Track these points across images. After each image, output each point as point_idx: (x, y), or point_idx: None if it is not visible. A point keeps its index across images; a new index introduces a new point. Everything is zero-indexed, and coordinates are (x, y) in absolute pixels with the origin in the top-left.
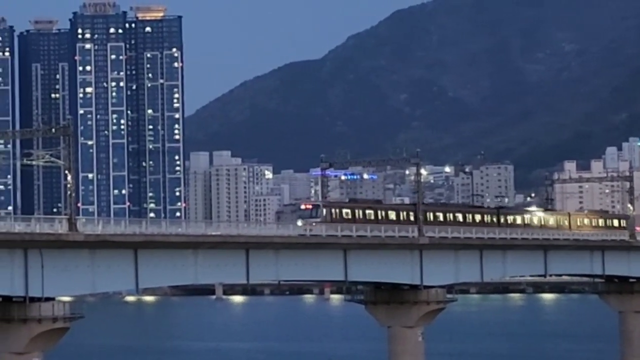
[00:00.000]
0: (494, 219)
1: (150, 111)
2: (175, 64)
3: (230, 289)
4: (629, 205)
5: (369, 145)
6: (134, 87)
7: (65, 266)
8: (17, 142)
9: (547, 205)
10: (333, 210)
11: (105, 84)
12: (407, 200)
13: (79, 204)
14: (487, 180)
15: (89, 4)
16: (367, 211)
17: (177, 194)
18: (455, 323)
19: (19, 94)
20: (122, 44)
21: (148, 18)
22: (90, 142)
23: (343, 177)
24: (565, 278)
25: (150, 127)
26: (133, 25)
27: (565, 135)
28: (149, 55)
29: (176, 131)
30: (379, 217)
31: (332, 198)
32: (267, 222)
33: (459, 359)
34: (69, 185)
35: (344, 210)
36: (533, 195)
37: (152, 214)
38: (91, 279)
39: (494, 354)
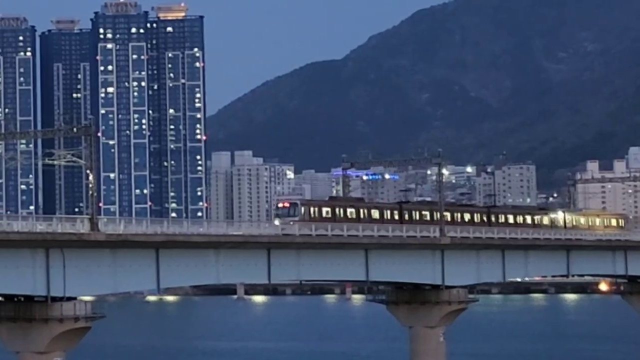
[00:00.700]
0: (484, 218)
1: (171, 111)
2: (197, 64)
3: (251, 289)
4: None
5: (390, 145)
6: (156, 87)
7: (87, 266)
8: (39, 141)
9: (550, 205)
10: (312, 208)
11: (126, 83)
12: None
13: (101, 204)
14: (509, 180)
15: (111, 3)
16: (349, 210)
17: (199, 193)
18: (476, 323)
19: (40, 94)
20: (144, 44)
21: (169, 18)
22: (111, 142)
23: (364, 177)
24: (587, 278)
25: (172, 127)
26: (154, 25)
27: (588, 135)
28: (170, 55)
29: (198, 131)
30: (361, 216)
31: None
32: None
33: (481, 359)
34: (90, 185)
35: (324, 209)
36: (555, 195)
37: (173, 214)
38: (113, 278)
39: (516, 354)
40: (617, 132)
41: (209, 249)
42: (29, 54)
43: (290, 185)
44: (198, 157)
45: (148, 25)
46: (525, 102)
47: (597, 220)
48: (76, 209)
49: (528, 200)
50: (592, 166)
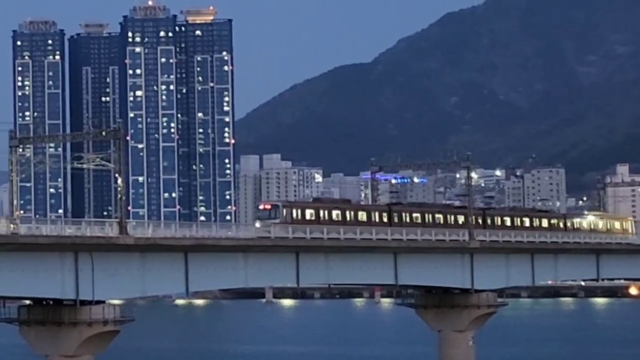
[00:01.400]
0: (479, 221)
1: (200, 114)
2: (226, 67)
3: (280, 292)
4: None
5: (419, 149)
6: (184, 91)
7: (116, 269)
8: (68, 145)
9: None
10: (294, 210)
11: (155, 87)
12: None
13: (129, 207)
14: (538, 184)
15: (139, 7)
16: (334, 212)
17: (227, 197)
18: (506, 327)
19: (69, 98)
20: (172, 48)
21: (198, 21)
22: (140, 146)
23: (393, 181)
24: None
25: (201, 130)
26: (183, 28)
27: (618, 138)
28: (199, 58)
29: (226, 134)
30: (347, 219)
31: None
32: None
33: None
34: (119, 189)
35: (307, 211)
36: (585, 199)
37: (202, 218)
38: (141, 282)
39: (545, 358)
40: None
41: (237, 253)
42: (57, 57)
43: (319, 188)
44: (227, 160)
45: (177, 28)
46: (555, 105)
47: (600, 223)
48: (105, 213)
49: (558, 203)
50: (622, 169)
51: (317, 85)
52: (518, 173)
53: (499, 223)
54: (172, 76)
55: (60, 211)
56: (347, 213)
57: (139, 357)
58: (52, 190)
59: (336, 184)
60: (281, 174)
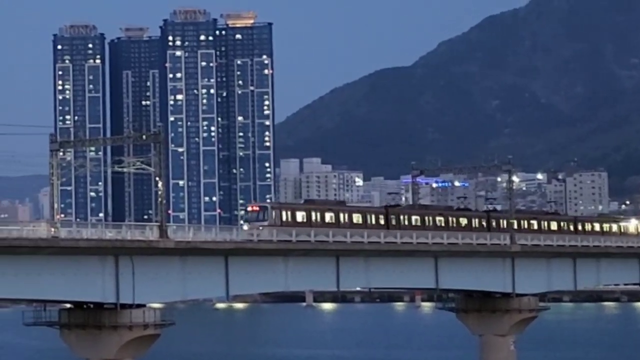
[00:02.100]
0: (483, 223)
1: (240, 118)
2: (266, 71)
3: (320, 296)
4: None
5: (460, 152)
6: (225, 94)
7: (156, 273)
8: (108, 149)
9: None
10: (284, 212)
11: (195, 91)
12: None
13: (170, 211)
14: (580, 187)
15: (180, 11)
16: (327, 214)
17: (268, 201)
18: (547, 332)
19: (109, 101)
20: (213, 51)
21: (238, 25)
22: (180, 149)
23: (434, 185)
24: None
25: (241, 134)
26: (223, 32)
27: None
28: (239, 62)
29: (266, 138)
30: (341, 221)
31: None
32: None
33: None
34: (159, 192)
35: (298, 213)
36: (628, 202)
37: (242, 221)
38: (182, 285)
39: None
40: None
41: (277, 257)
42: (98, 61)
43: (359, 192)
44: (267, 164)
45: (217, 32)
46: (597, 108)
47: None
48: (145, 216)
49: (600, 207)
50: None
51: (357, 88)
52: (560, 177)
53: (504, 225)
54: (212, 80)
55: (101, 215)
56: (341, 215)
57: None
58: (92, 194)
59: (377, 188)
60: (321, 177)
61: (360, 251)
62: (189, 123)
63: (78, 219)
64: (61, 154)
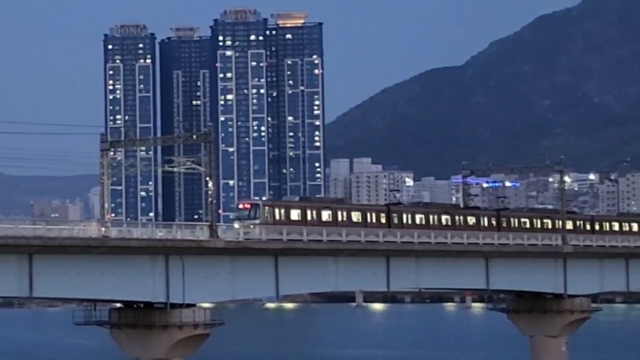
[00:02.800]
0: (493, 222)
1: (290, 118)
2: (316, 71)
3: (370, 296)
4: None
5: (511, 152)
6: (275, 94)
7: (206, 273)
8: (159, 149)
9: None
10: (277, 210)
11: (245, 91)
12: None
13: (220, 211)
14: (633, 188)
15: (230, 11)
16: (324, 212)
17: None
18: (600, 333)
19: (160, 101)
20: (263, 51)
21: (289, 25)
22: (231, 149)
23: (485, 185)
24: None
25: (291, 134)
26: (274, 32)
27: None
28: (289, 62)
29: (316, 138)
30: (339, 219)
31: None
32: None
33: None
34: (209, 192)
35: (292, 211)
36: None
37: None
38: (232, 285)
39: None
40: None
41: (328, 257)
42: (148, 61)
43: (410, 192)
44: (317, 164)
45: (267, 32)
46: None
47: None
48: (195, 216)
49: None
50: None
51: (408, 88)
52: (612, 177)
53: (515, 225)
54: (262, 80)
55: (151, 214)
56: (339, 213)
57: None
58: (143, 193)
59: (427, 188)
60: (371, 177)
61: (410, 251)
62: (239, 123)
63: (128, 219)
64: (112, 153)
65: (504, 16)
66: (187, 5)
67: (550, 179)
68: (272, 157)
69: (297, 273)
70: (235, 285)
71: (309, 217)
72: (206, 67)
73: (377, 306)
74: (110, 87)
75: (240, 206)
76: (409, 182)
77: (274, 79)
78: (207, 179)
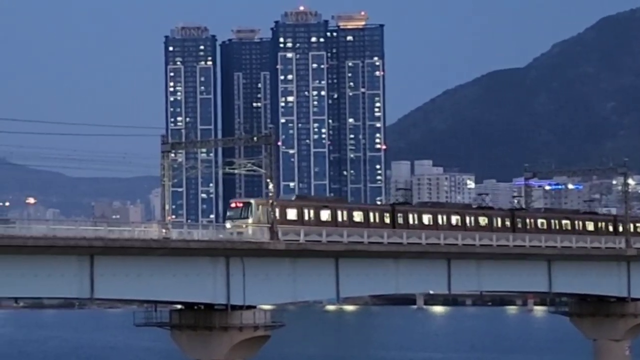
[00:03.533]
0: (507, 223)
1: (351, 120)
2: (377, 73)
3: (431, 299)
4: None
5: (574, 155)
6: (336, 96)
7: (267, 274)
8: (219, 150)
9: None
10: (270, 209)
11: (306, 92)
12: (613, 212)
13: None
14: None
15: (291, 12)
16: (322, 211)
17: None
18: None
19: (221, 103)
20: (324, 53)
21: (350, 27)
22: (291, 151)
23: (547, 187)
24: None
25: (352, 136)
26: (334, 34)
27: None
28: (350, 64)
29: (377, 140)
30: (339, 219)
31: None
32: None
33: None
34: (270, 194)
35: (288, 210)
36: None
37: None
38: (292, 287)
39: None
40: None
41: (388, 259)
42: (209, 63)
43: (471, 195)
44: (378, 166)
45: (328, 34)
46: None
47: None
48: None
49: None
50: None
51: (470, 90)
52: None
53: (532, 226)
54: (323, 82)
55: (212, 216)
56: (339, 213)
57: None
58: (203, 195)
59: (489, 190)
60: (432, 180)
61: (472, 254)
62: (299, 125)
63: (189, 220)
64: (172, 155)
65: (566, 18)
66: (248, 7)
67: (614, 182)
68: (333, 159)
69: (357, 275)
70: (295, 287)
71: (306, 217)
72: (267, 69)
73: (438, 309)
74: (171, 89)
75: (232, 205)
76: (471, 184)
77: (335, 80)
78: (268, 180)
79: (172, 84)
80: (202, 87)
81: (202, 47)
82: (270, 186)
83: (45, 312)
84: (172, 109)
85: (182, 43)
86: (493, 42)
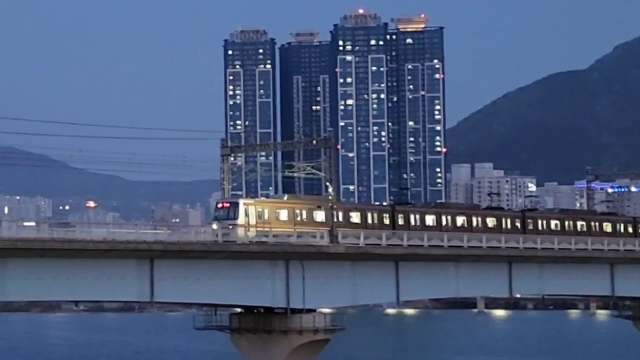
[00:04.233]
0: (517, 225)
1: (411, 123)
2: (437, 76)
3: (492, 303)
4: None
5: (637, 157)
6: (395, 99)
7: (327, 278)
8: (279, 154)
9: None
10: (259, 210)
11: (366, 96)
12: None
13: None
14: None
15: (350, 16)
16: (316, 212)
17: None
18: None
19: (280, 107)
20: (383, 56)
21: (409, 30)
22: (351, 155)
23: (610, 190)
24: None
25: (412, 139)
26: (394, 37)
27: None
28: (410, 67)
29: (437, 143)
30: (336, 220)
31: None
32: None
33: None
34: (330, 198)
35: (278, 211)
36: None
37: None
38: (352, 291)
39: None
40: None
41: (449, 263)
42: (269, 66)
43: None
44: (438, 169)
45: (388, 37)
46: None
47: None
48: None
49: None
50: None
51: (531, 93)
52: None
53: (544, 227)
54: (383, 85)
55: None
56: (336, 214)
57: None
58: (264, 198)
59: (550, 194)
60: (493, 183)
61: (534, 257)
62: (359, 128)
63: None
64: (232, 159)
65: (629, 19)
66: (307, 10)
67: None
68: (393, 162)
69: (418, 279)
70: (355, 290)
71: (298, 218)
72: (326, 72)
73: (499, 313)
74: (231, 93)
75: (219, 205)
76: (532, 187)
77: (395, 84)
78: (328, 184)
79: (231, 87)
80: (262, 91)
81: (261, 51)
82: (330, 190)
83: (105, 315)
84: (231, 113)
85: (242, 47)
86: (554, 44)
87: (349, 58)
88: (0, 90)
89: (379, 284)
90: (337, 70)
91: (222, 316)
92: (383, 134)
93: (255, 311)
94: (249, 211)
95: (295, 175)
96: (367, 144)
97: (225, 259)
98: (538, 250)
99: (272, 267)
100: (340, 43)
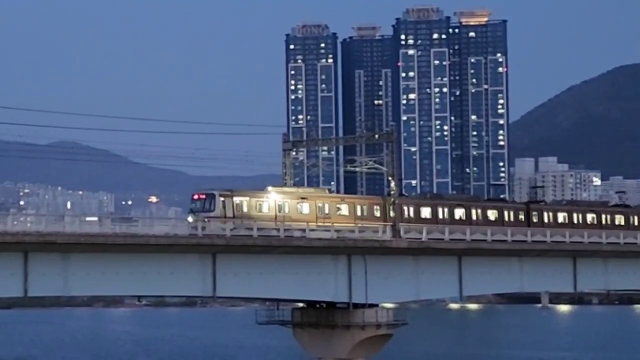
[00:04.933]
0: (521, 217)
1: (474, 117)
2: (500, 69)
3: (556, 298)
4: None
5: None
6: (458, 93)
7: (389, 273)
8: (341, 148)
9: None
10: (237, 201)
11: (428, 90)
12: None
13: None
14: None
15: (412, 9)
16: (300, 205)
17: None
18: None
19: (342, 101)
20: (446, 50)
21: (472, 23)
22: (413, 149)
23: None
24: None
25: (474, 133)
26: (457, 30)
27: None
28: (472, 60)
29: (500, 137)
30: (320, 212)
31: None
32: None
33: None
34: (392, 192)
35: (259, 203)
36: None
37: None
38: (415, 286)
39: None
40: None
41: (512, 257)
42: (330, 60)
43: (597, 192)
44: (501, 163)
45: (450, 30)
46: None
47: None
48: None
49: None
50: None
51: (596, 86)
52: None
53: (550, 219)
54: (445, 78)
55: None
56: (321, 206)
57: None
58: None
59: (615, 188)
60: (557, 177)
61: (598, 252)
62: (421, 122)
63: None
64: (294, 153)
65: None
66: (368, 4)
67: None
68: (455, 156)
69: (480, 273)
70: (418, 285)
71: (280, 210)
72: (388, 66)
73: (564, 308)
74: (292, 87)
75: (195, 197)
76: (596, 181)
77: (457, 77)
78: (390, 178)
79: (293, 82)
80: (323, 85)
81: (322, 45)
82: (392, 184)
83: (167, 310)
84: (293, 107)
85: (303, 41)
86: (619, 37)
87: (410, 52)
88: (63, 86)
89: (441, 278)
90: (399, 64)
91: (284, 311)
92: (445, 127)
93: (317, 306)
94: (225, 203)
95: (357, 169)
96: (429, 138)
97: (287, 253)
98: (603, 244)
99: (334, 261)
100: (402, 37)
